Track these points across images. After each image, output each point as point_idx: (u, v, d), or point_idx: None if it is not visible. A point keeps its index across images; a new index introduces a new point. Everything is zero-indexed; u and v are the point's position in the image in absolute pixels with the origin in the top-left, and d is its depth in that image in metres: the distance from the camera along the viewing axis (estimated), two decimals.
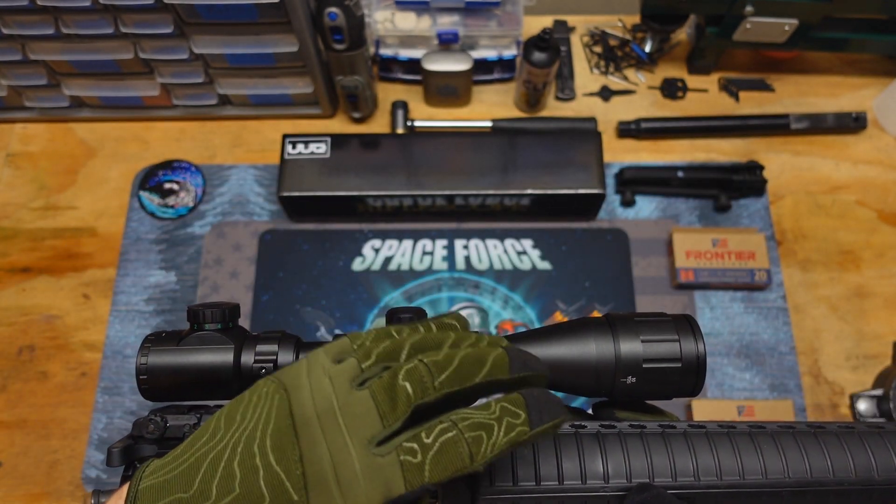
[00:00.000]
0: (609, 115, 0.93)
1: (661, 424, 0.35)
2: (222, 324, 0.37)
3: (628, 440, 0.34)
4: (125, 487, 0.31)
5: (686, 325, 0.37)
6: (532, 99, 0.90)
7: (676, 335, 0.36)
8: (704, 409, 0.76)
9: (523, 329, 0.80)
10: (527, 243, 0.85)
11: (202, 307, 0.37)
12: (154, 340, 0.37)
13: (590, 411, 0.40)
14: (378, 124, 0.93)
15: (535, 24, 0.97)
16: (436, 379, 0.31)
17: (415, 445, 0.30)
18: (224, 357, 0.36)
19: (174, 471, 0.30)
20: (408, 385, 0.31)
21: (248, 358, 0.37)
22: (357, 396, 0.30)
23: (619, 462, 0.33)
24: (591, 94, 0.94)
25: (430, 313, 0.91)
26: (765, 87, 0.94)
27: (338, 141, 0.83)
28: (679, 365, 0.36)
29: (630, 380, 0.36)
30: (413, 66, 0.91)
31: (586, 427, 0.35)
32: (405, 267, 0.84)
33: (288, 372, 0.32)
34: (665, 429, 0.35)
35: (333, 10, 0.74)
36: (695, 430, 0.34)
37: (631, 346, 0.36)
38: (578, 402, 0.72)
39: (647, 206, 0.87)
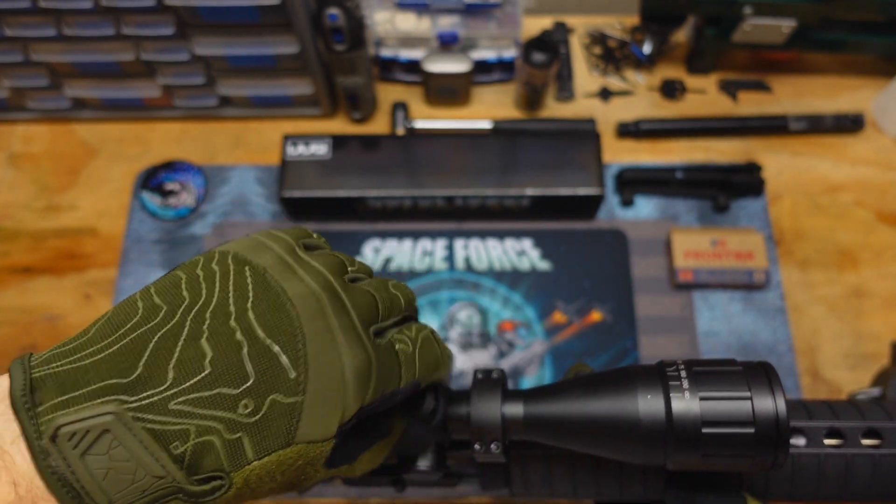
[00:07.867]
0: (608, 115, 0.93)
1: None
2: None
3: None
4: None
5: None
6: (531, 100, 0.90)
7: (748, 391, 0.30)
8: None
9: (522, 328, 0.80)
10: (526, 243, 0.85)
11: None
12: None
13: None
14: (378, 125, 0.93)
15: (534, 26, 0.97)
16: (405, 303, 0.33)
17: (405, 338, 0.31)
18: None
19: (92, 357, 0.25)
20: (399, 295, 0.33)
21: None
22: (357, 288, 0.30)
23: None
24: (591, 95, 0.95)
25: (430, 313, 0.90)
26: (763, 87, 0.94)
27: (339, 142, 0.83)
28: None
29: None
30: (413, 67, 0.91)
31: None
32: (405, 267, 0.84)
33: (248, 251, 0.30)
34: None
35: (334, 11, 0.74)
36: None
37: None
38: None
39: (646, 207, 0.87)
